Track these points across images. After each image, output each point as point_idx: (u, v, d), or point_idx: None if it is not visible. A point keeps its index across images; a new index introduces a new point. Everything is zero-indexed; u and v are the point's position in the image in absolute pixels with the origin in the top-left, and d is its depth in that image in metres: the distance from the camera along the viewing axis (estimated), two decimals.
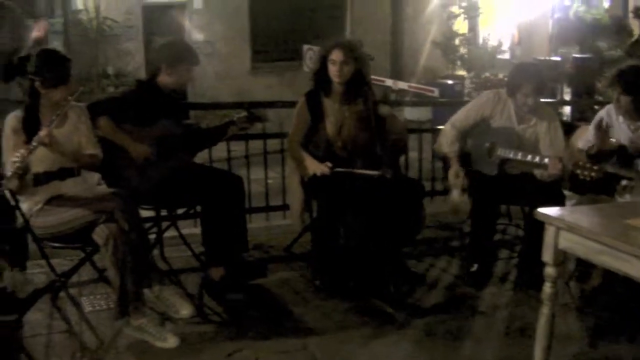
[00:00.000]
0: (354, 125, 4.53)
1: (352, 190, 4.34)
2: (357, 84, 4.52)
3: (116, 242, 3.67)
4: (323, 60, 4.55)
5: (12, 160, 3.66)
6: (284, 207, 5.60)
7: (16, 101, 4.29)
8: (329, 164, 4.44)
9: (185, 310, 4.01)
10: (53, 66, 3.84)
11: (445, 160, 4.78)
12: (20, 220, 3.92)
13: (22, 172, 3.68)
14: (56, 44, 12.19)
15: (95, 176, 4.12)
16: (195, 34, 14.68)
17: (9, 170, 3.72)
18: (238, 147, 5.66)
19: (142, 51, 14.25)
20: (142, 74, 13.19)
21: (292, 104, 4.90)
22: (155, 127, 4.36)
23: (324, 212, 4.45)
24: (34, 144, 3.70)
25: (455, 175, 4.59)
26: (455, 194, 4.58)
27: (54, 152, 3.82)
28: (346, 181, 4.37)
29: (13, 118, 3.87)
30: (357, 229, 4.41)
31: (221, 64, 14.70)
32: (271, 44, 15.88)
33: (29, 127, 3.82)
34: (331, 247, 4.49)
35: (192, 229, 5.12)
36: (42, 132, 3.72)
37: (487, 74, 13.45)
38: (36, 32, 4.85)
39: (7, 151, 3.83)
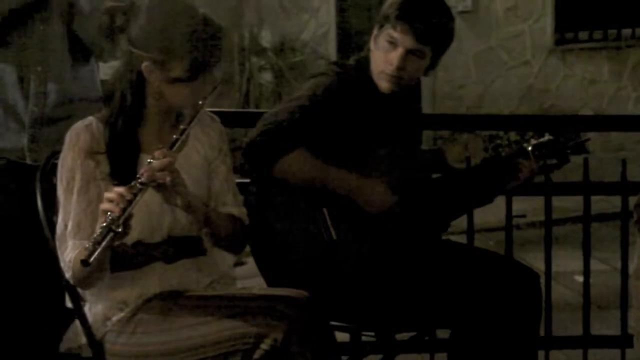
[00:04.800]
0: None
1: None
2: None
3: None
4: None
5: (103, 208, 3.48)
6: (622, 340, 5.46)
7: (89, 99, 4.41)
8: None
9: None
10: (183, 36, 3.69)
11: None
12: (80, 339, 3.86)
13: (122, 233, 3.49)
14: None
15: (229, 257, 4.16)
16: None
17: (72, 236, 3.67)
18: (525, 206, 5.68)
19: (333, 2, 14.59)
20: (332, 50, 13.38)
21: None
22: (373, 160, 4.37)
23: None
24: (141, 181, 3.51)
25: None
26: None
27: (171, 201, 3.69)
28: None
29: (83, 132, 3.76)
30: None
31: (488, 33, 14.88)
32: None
33: (118, 152, 3.75)
34: None
35: None
36: (158, 154, 3.55)
37: None
38: None
39: (69, 196, 3.74)
